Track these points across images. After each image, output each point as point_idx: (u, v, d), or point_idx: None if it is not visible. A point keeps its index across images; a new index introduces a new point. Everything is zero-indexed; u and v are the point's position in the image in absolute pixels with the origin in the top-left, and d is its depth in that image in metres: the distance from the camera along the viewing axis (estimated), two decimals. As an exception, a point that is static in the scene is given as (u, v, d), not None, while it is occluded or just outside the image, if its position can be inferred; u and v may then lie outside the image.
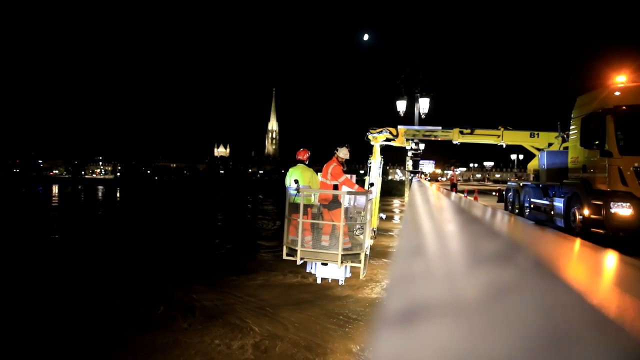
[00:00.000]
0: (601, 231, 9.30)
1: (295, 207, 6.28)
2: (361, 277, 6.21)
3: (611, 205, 9.18)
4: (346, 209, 6.26)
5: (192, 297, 7.99)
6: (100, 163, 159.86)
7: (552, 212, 11.97)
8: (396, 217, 22.17)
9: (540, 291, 0.37)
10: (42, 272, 10.18)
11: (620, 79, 9.95)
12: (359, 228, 6.48)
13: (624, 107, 9.49)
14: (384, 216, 17.68)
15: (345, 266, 6.10)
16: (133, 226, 20.08)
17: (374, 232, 13.44)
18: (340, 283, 6.16)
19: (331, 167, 6.94)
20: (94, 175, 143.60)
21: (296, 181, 6.38)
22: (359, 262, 6.07)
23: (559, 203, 11.52)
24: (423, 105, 17.71)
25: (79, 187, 68.77)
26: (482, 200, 19.27)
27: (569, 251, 0.54)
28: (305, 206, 6.22)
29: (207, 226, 20.61)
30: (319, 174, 7.30)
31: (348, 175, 7.41)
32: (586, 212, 9.92)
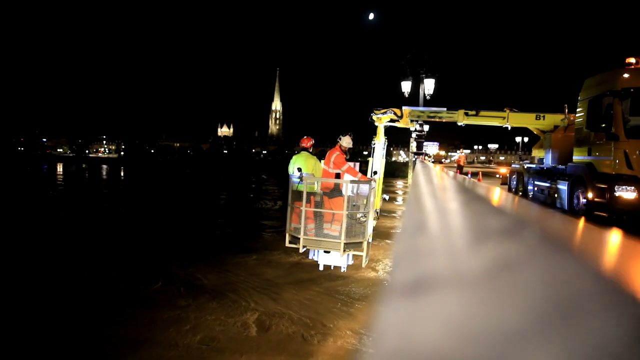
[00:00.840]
0: (605, 214, 9.30)
1: (298, 194, 6.29)
2: (363, 265, 6.25)
3: (616, 189, 9.16)
4: (349, 197, 6.26)
5: (194, 275, 8.08)
6: (104, 142, 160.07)
7: (556, 195, 11.96)
8: (399, 199, 22.19)
9: (546, 265, 0.37)
10: (43, 251, 10.29)
11: (629, 61, 9.81)
12: (362, 216, 6.48)
13: (632, 90, 9.38)
14: (387, 197, 17.71)
15: (348, 254, 6.15)
16: (137, 205, 20.21)
17: (377, 213, 13.49)
18: (342, 270, 6.21)
19: (334, 155, 6.89)
20: (98, 154, 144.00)
21: (299, 169, 6.36)
22: (362, 250, 6.11)
23: (563, 186, 11.49)
24: (428, 86, 17.55)
25: (83, 165, 69.03)
26: (486, 182, 19.23)
27: (574, 228, 0.53)
28: (308, 194, 6.22)
29: (210, 205, 20.72)
30: (322, 160, 7.27)
31: (351, 164, 7.37)
32: (590, 195, 9.90)
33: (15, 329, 5.74)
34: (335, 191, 6.44)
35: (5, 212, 16.51)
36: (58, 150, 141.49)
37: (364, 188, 6.80)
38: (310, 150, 6.97)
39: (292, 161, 6.86)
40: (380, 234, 11.73)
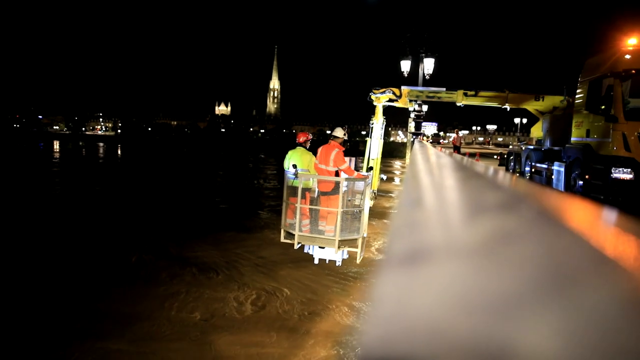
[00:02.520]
0: (601, 196, 9.34)
1: (293, 190, 6.25)
2: (357, 261, 6.26)
3: (613, 171, 9.18)
4: (344, 193, 6.23)
5: (191, 253, 8.13)
6: (101, 120, 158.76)
7: (553, 176, 11.99)
8: (396, 179, 22.23)
9: (544, 237, 0.37)
10: (42, 231, 10.32)
11: (631, 42, 9.70)
12: (357, 212, 6.45)
13: (633, 72, 9.31)
14: (384, 177, 17.74)
15: (342, 250, 6.17)
16: (133, 183, 20.19)
17: (374, 193, 13.53)
18: (337, 264, 6.23)
19: (333, 153, 6.66)
20: (95, 132, 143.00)
21: (294, 166, 6.31)
22: (356, 246, 6.12)
23: (560, 167, 11.52)
24: (428, 65, 17.38)
25: (80, 143, 68.65)
26: (484, 163, 19.25)
27: (571, 203, 0.53)
28: (304, 190, 6.18)
29: (207, 184, 20.72)
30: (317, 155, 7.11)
31: (348, 159, 7.24)
32: (587, 176, 9.93)
33: (13, 306, 5.79)
34: (335, 190, 6.36)
35: (2, 194, 16.49)
36: (54, 127, 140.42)
37: (360, 184, 6.74)
38: (306, 146, 6.86)
39: (287, 157, 6.76)
40: (377, 213, 11.78)
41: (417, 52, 17.71)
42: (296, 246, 6.19)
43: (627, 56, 9.42)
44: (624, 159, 9.16)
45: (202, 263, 7.57)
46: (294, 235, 6.11)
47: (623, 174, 9.11)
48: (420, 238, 0.49)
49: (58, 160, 35.08)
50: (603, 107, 9.73)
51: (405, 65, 17.65)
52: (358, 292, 6.28)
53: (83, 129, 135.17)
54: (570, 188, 10.83)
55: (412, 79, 17.68)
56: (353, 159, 7.78)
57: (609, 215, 0.46)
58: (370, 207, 8.32)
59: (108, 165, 31.86)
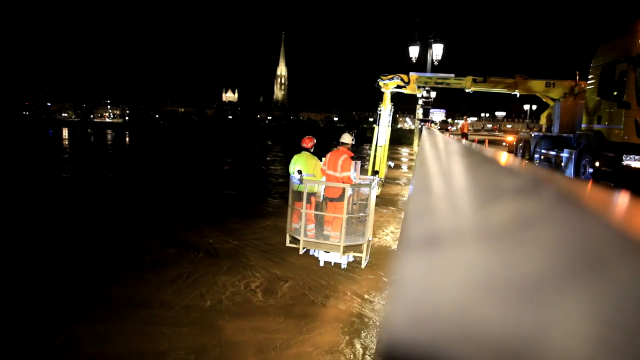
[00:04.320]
0: (611, 184, 9.25)
1: (298, 195, 6.22)
2: (362, 266, 6.25)
3: (624, 158, 9.08)
4: (349, 197, 6.19)
5: (200, 239, 8.19)
6: (109, 107, 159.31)
7: (562, 164, 11.89)
8: (404, 166, 22.15)
9: (566, 220, 0.36)
10: (52, 217, 10.44)
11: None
12: (362, 215, 6.42)
13: (648, 56, 9.14)
14: (392, 164, 17.69)
15: (348, 254, 6.17)
16: (142, 170, 20.31)
17: (382, 181, 13.50)
18: (342, 267, 6.23)
19: (342, 158, 6.56)
20: (104, 119, 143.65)
21: (299, 172, 6.26)
22: (361, 252, 6.11)
23: (569, 154, 11.40)
24: (436, 51, 17.18)
25: (89, 130, 69.02)
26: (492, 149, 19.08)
27: (588, 188, 0.52)
28: (309, 194, 6.15)
29: (215, 171, 20.79)
30: (323, 159, 7.02)
31: (353, 164, 7.10)
32: (597, 163, 9.83)
33: (22, 290, 5.89)
34: (342, 196, 6.31)
35: (11, 184, 16.68)
36: (63, 114, 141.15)
37: (365, 188, 6.69)
38: (312, 150, 6.79)
39: (292, 161, 6.70)
40: (385, 201, 11.77)
41: (426, 37, 17.51)
42: (301, 251, 6.19)
43: (642, 41, 9.23)
44: (635, 146, 9.05)
45: (210, 249, 7.63)
46: (299, 240, 6.12)
47: (635, 162, 9.01)
48: (435, 223, 0.49)
49: (68, 147, 35.34)
50: (615, 93, 9.58)
51: (414, 51, 17.46)
52: (366, 280, 6.30)
53: (91, 116, 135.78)
54: (580, 175, 10.73)
55: (421, 65, 17.51)
56: (359, 162, 7.69)
57: (626, 200, 0.45)
58: (377, 195, 8.29)
59: (117, 152, 32.05)
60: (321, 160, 6.96)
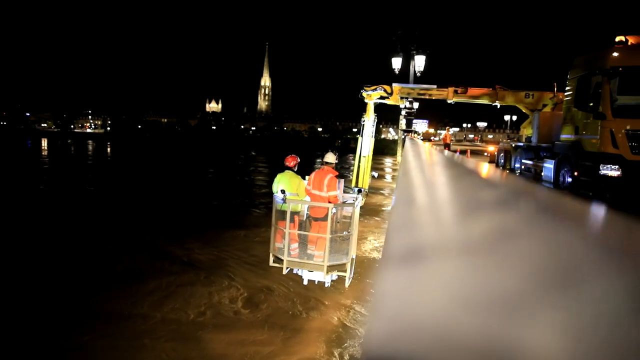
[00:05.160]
0: (589, 193, 9.45)
1: (281, 214, 6.19)
2: (346, 285, 6.24)
3: (601, 167, 9.29)
4: (333, 215, 6.18)
5: (182, 250, 8.08)
6: (90, 117, 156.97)
7: (542, 173, 12.11)
8: (387, 176, 22.29)
9: (543, 233, 0.37)
10: (31, 228, 10.20)
11: (619, 40, 9.81)
12: (346, 234, 6.41)
13: (621, 69, 9.42)
14: (375, 174, 17.79)
15: (331, 273, 6.14)
16: (124, 181, 20.02)
17: (366, 191, 13.56)
18: (326, 285, 6.20)
19: (327, 178, 6.57)
20: (85, 130, 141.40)
21: (283, 191, 6.24)
22: (345, 270, 6.09)
23: (549, 164, 11.63)
24: (419, 62, 17.43)
25: (69, 141, 67.90)
26: (474, 159, 19.35)
27: (566, 200, 0.53)
28: (292, 213, 6.13)
29: (198, 181, 20.60)
30: (306, 178, 7.01)
31: (337, 182, 7.17)
32: (576, 173, 10.04)
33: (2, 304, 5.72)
34: (327, 216, 6.30)
35: (-11, 187, 16.26)
36: (42, 125, 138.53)
37: (348, 208, 6.69)
38: (295, 170, 6.79)
39: (275, 180, 6.68)
40: (369, 211, 11.81)
41: (408, 49, 17.75)
42: (285, 271, 6.13)
43: (615, 54, 9.52)
44: (611, 156, 9.28)
45: (193, 261, 7.53)
46: (282, 259, 6.06)
47: (611, 171, 9.23)
48: (416, 236, 0.49)
49: (47, 158, 34.66)
50: (591, 104, 9.84)
51: (397, 63, 17.69)
52: (351, 291, 6.29)
53: (72, 126, 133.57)
54: (559, 184, 10.94)
55: (404, 76, 17.72)
56: (342, 180, 7.68)
57: (603, 211, 0.46)
58: (361, 205, 8.31)
59: (98, 163, 31.55)
60: (304, 179, 6.96)
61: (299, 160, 6.89)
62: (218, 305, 5.77)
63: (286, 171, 6.70)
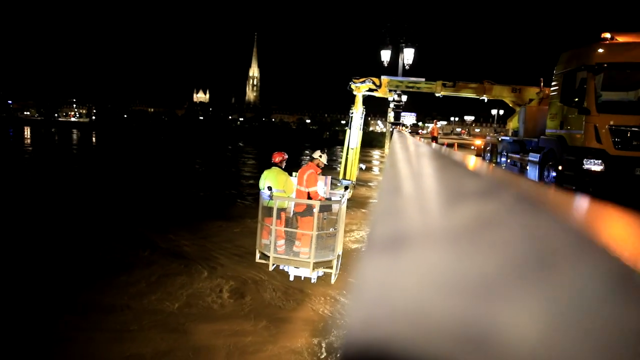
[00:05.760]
0: (572, 187, 9.60)
1: (268, 210, 6.15)
2: (332, 282, 6.24)
3: (584, 162, 9.44)
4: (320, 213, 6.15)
5: (169, 242, 8.04)
6: (74, 106, 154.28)
7: (528, 167, 12.26)
8: (375, 169, 22.37)
9: (525, 221, 0.37)
10: (16, 220, 10.04)
11: (604, 36, 9.92)
12: (332, 231, 6.40)
13: (606, 65, 9.54)
14: (363, 167, 17.84)
15: (317, 270, 6.14)
16: (110, 171, 19.77)
17: (354, 183, 13.60)
18: (312, 281, 6.21)
19: (307, 173, 6.54)
20: (69, 118, 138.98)
21: (269, 188, 6.20)
22: (331, 268, 6.09)
23: (534, 158, 11.78)
24: (408, 56, 17.42)
25: (53, 130, 66.72)
26: (461, 152, 19.52)
27: (549, 190, 0.54)
28: (279, 210, 6.10)
29: (186, 172, 20.45)
30: (294, 174, 6.97)
31: (324, 179, 7.20)
32: (560, 167, 10.19)
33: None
34: (307, 211, 6.25)
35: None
36: (25, 113, 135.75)
37: (335, 205, 6.67)
38: (282, 166, 6.74)
39: (262, 177, 6.62)
40: (357, 203, 11.86)
41: (397, 42, 17.72)
42: (271, 267, 6.10)
43: (600, 50, 9.63)
44: (595, 151, 9.42)
45: (180, 252, 7.50)
46: (268, 256, 6.03)
47: (594, 165, 9.38)
48: (400, 225, 0.50)
49: (30, 147, 34.05)
50: (576, 99, 9.96)
51: (385, 55, 17.66)
52: (337, 282, 6.32)
53: (56, 115, 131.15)
54: (544, 178, 11.09)
55: (392, 69, 17.71)
56: (329, 177, 7.66)
57: (585, 202, 0.47)
58: (349, 198, 8.33)
59: (84, 153, 31.09)
60: (292, 175, 6.94)
61: (286, 156, 6.84)
62: (204, 296, 5.77)
63: (273, 167, 6.65)
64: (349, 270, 6.74)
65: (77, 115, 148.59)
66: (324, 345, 4.70)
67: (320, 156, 6.78)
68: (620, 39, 9.73)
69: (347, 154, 13.91)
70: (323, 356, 4.53)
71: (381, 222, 0.53)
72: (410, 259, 0.35)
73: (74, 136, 51.18)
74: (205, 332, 4.85)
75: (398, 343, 0.23)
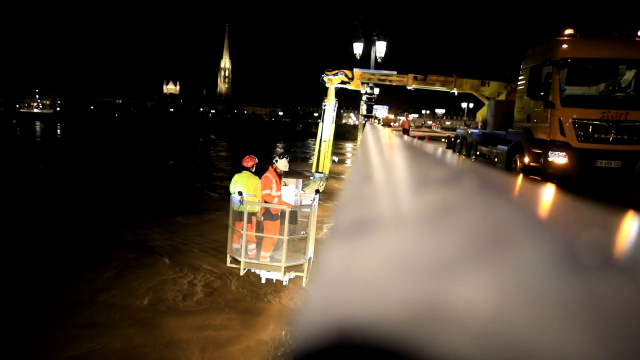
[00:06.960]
0: (538, 178, 9.91)
1: (239, 215, 6.06)
2: (303, 284, 6.22)
3: (549, 154, 9.75)
4: (291, 215, 6.08)
5: (141, 236, 7.90)
6: (37, 96, 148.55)
7: (496, 159, 12.57)
8: (348, 161, 22.50)
9: (484, 205, 0.39)
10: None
11: (568, 32, 10.22)
12: (302, 235, 6.36)
13: (570, 60, 9.85)
14: (336, 159, 17.91)
15: (288, 274, 6.11)
16: (76, 165, 19.18)
17: (326, 176, 13.65)
18: (284, 284, 6.17)
19: (263, 177, 6.37)
20: (32, 110, 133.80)
21: (240, 193, 6.10)
22: (302, 271, 6.06)
23: (502, 150, 12.08)
24: (380, 48, 17.50)
25: (14, 121, 64.13)
26: (432, 145, 19.85)
27: (511, 178, 0.56)
28: (250, 214, 6.03)
29: (156, 166, 20.05)
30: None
31: (295, 181, 7.26)
32: (526, 159, 10.50)
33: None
34: (266, 214, 6.16)
35: None
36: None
37: (306, 209, 6.61)
38: (252, 170, 6.63)
39: (233, 181, 6.50)
40: (329, 195, 11.91)
41: (370, 34, 17.78)
42: (242, 272, 6.01)
43: (565, 45, 9.93)
44: (559, 143, 9.74)
45: (152, 247, 7.37)
46: (239, 261, 5.95)
47: (558, 158, 9.70)
48: (366, 212, 0.51)
49: (-11, 139, 32.64)
50: (542, 93, 10.25)
51: (358, 48, 17.69)
52: (311, 274, 6.35)
53: (17, 106, 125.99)
54: (511, 170, 11.40)
55: (365, 61, 17.77)
56: (300, 180, 7.61)
57: (542, 189, 0.49)
58: (321, 191, 8.35)
59: (48, 145, 30.03)
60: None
61: (256, 160, 6.73)
62: (177, 291, 5.70)
63: (244, 172, 6.55)
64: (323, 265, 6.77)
65: (40, 107, 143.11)
66: (294, 335, 4.73)
67: (276, 160, 6.56)
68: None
69: (319, 146, 13.93)
70: (298, 346, 4.55)
71: (347, 210, 0.54)
72: (373, 244, 0.36)
73: (37, 128, 49.36)
74: (178, 326, 4.80)
75: (356, 325, 0.24)
